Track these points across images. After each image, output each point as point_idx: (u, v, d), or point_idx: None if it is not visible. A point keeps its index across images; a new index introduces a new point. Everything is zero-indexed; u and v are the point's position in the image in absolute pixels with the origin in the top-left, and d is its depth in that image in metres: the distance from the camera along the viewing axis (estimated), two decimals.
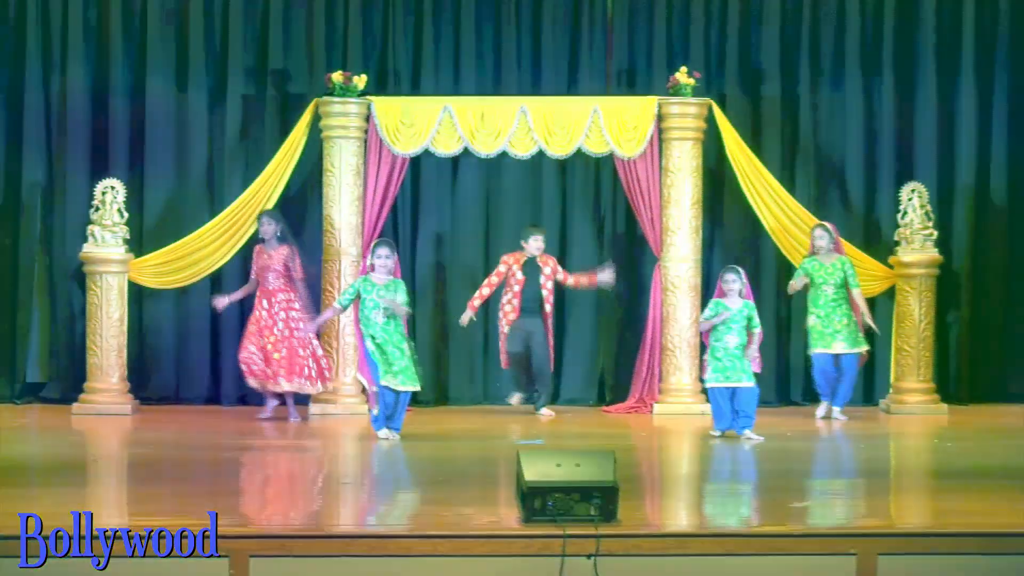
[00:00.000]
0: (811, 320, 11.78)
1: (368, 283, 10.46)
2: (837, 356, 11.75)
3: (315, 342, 11.63)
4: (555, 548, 6.66)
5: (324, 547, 6.76)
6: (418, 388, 10.53)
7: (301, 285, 11.70)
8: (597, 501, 6.83)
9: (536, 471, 6.90)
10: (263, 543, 6.74)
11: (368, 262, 10.61)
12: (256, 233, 11.92)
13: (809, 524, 7.28)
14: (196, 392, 12.60)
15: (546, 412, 12.06)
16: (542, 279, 11.99)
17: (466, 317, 11.98)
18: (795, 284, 11.78)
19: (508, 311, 12.00)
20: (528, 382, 12.09)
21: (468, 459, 9.97)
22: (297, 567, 6.69)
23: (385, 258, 10.49)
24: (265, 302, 11.66)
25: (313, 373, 11.59)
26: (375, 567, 6.71)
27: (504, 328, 12.03)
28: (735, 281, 10.39)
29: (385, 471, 9.64)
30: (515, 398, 12.09)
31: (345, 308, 10.66)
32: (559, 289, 12.36)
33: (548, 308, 12.01)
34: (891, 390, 12.38)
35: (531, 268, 12.01)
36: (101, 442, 10.80)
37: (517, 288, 11.95)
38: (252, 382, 11.65)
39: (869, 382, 12.83)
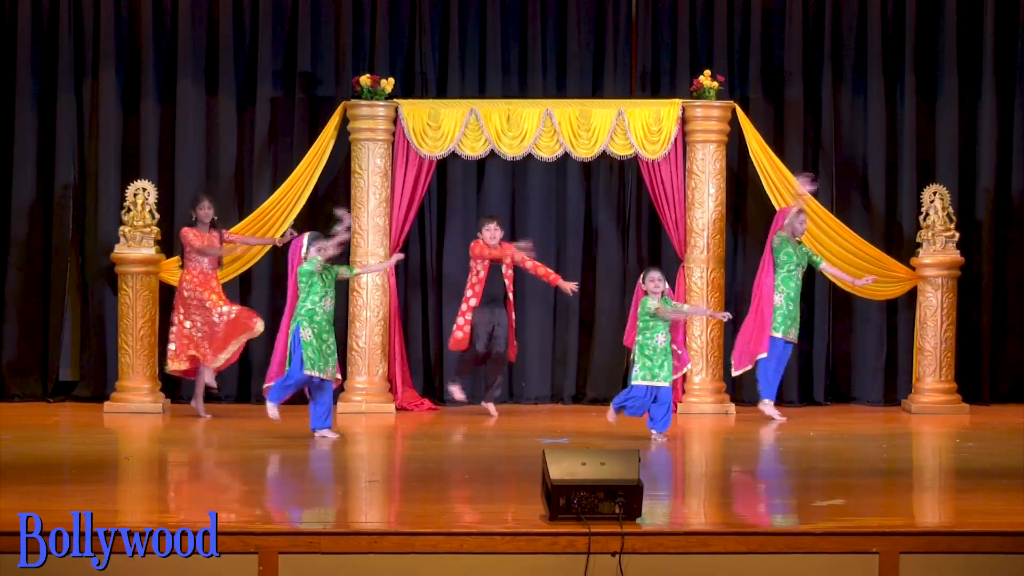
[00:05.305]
0: (778, 299, 11.70)
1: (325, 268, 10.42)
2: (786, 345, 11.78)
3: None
4: (580, 546, 6.74)
5: (352, 544, 6.82)
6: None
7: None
8: (622, 499, 6.91)
9: (561, 469, 6.96)
10: (292, 540, 6.82)
11: (304, 253, 10.34)
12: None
13: (831, 523, 7.30)
14: (226, 391, 12.69)
15: (492, 408, 11.98)
16: (504, 268, 11.94)
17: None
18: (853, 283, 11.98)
19: (469, 296, 11.89)
20: (472, 375, 12.06)
21: (493, 457, 10.04)
22: (325, 564, 6.76)
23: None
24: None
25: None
26: (402, 564, 6.77)
27: (467, 315, 11.86)
28: (661, 280, 10.34)
29: (411, 469, 9.73)
30: (458, 391, 11.96)
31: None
32: (587, 290, 12.68)
33: (510, 296, 12.00)
34: (913, 390, 12.42)
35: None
36: (132, 441, 10.90)
37: (483, 274, 11.86)
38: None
39: (891, 382, 12.89)
